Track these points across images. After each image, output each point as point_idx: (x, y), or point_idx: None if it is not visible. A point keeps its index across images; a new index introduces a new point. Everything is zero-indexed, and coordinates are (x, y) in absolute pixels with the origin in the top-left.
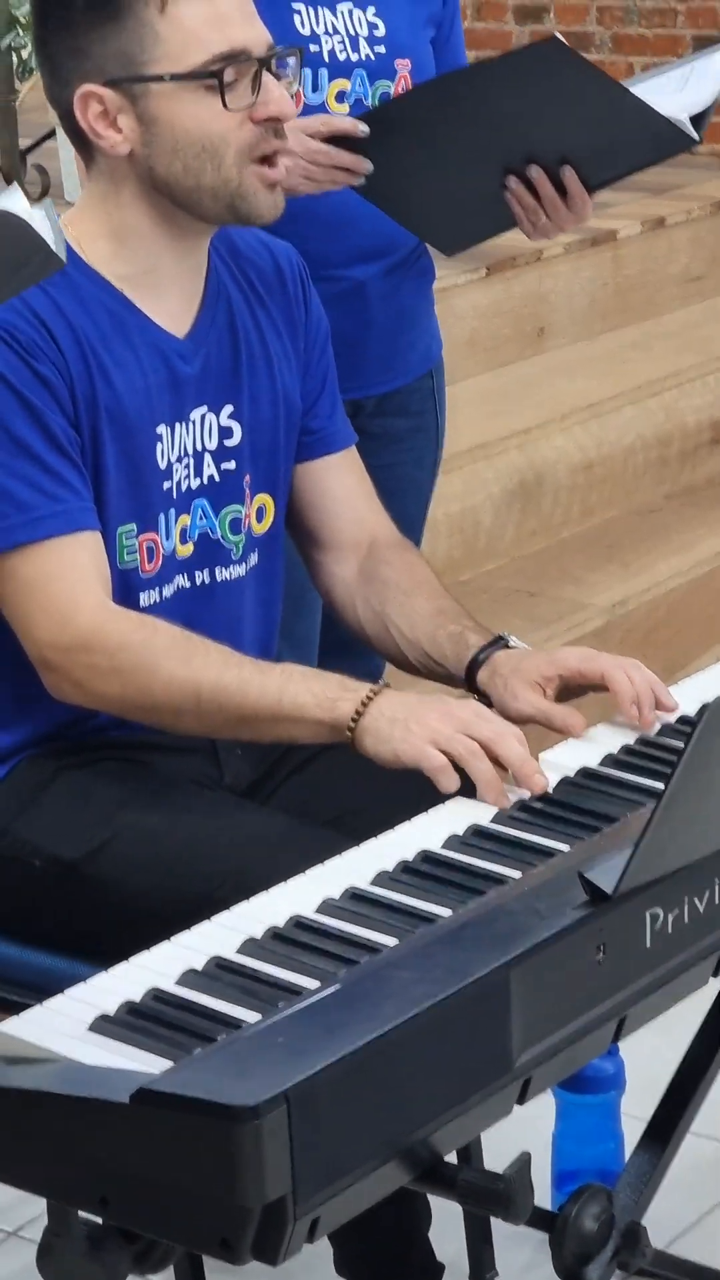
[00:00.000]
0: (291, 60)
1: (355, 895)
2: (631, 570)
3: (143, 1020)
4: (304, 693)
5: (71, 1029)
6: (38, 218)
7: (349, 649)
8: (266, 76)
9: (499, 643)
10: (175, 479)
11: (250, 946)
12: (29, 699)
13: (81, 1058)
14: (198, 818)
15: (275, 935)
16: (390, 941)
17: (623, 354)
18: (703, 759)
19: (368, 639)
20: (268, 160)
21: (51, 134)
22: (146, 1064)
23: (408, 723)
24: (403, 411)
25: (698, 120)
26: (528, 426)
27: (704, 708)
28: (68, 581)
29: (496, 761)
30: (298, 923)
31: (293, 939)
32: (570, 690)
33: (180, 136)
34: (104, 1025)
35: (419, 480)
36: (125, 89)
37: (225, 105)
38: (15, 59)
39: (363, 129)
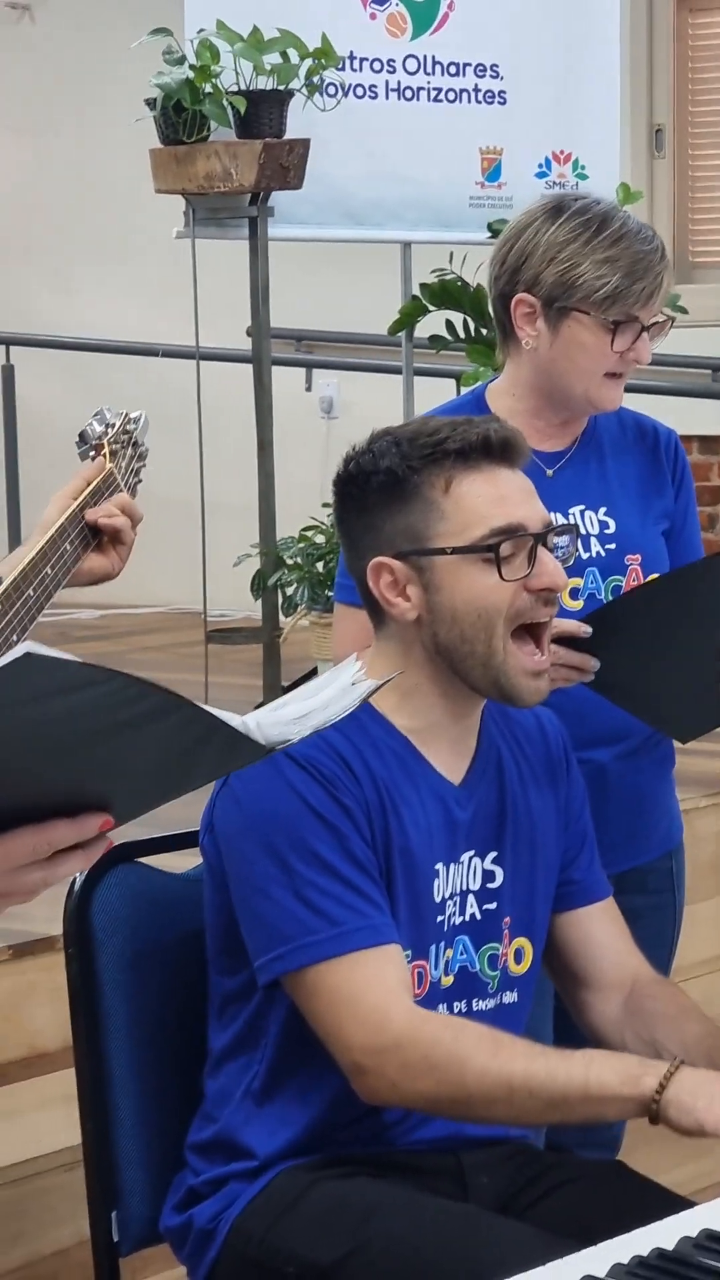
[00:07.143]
0: (564, 538)
1: None
2: None
3: None
4: (608, 1072)
5: None
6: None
7: None
8: (541, 550)
9: None
10: (447, 914)
11: None
12: (296, 1102)
13: None
14: (449, 1226)
15: None
16: None
17: None
18: None
19: None
20: (535, 638)
21: (313, 672)
22: None
23: (712, 1095)
24: (641, 889)
25: None
26: None
27: None
28: (378, 991)
29: None
30: None
31: None
32: None
33: (460, 604)
34: None
35: (658, 959)
36: (412, 561)
37: (501, 576)
38: (280, 596)
39: (586, 630)
